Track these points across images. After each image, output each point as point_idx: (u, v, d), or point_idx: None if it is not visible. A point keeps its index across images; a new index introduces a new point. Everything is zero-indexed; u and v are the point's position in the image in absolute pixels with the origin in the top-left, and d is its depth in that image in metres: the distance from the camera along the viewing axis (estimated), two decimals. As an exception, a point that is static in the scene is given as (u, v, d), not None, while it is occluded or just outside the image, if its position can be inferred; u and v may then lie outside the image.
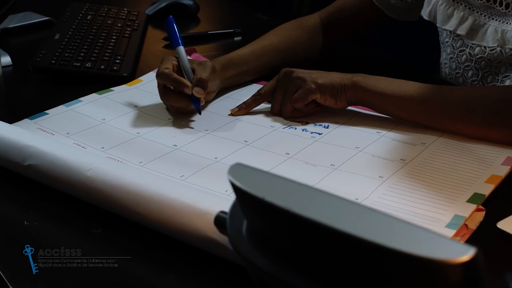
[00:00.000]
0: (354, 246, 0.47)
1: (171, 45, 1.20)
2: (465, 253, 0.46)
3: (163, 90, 1.10)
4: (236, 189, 0.52)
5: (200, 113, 1.10)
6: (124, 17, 1.61)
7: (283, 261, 0.53)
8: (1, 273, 0.75)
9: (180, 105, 1.10)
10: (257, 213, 0.53)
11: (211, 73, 1.13)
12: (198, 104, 1.10)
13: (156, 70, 1.31)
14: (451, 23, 1.20)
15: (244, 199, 0.53)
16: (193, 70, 1.12)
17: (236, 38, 1.59)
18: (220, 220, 0.67)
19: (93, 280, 0.76)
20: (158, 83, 1.11)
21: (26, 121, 1.09)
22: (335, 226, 0.47)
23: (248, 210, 0.55)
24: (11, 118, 1.08)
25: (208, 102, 1.17)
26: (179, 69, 1.12)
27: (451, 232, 0.80)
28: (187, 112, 1.12)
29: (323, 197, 0.51)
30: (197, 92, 1.09)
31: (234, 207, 0.58)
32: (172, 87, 1.10)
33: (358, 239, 0.46)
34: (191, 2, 1.73)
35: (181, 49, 1.16)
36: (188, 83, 1.08)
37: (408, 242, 0.47)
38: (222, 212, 0.68)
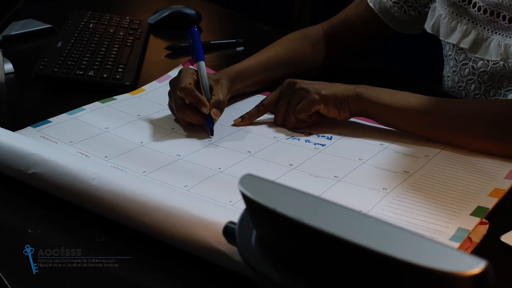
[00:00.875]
0: (365, 257, 0.48)
1: (192, 57, 1.18)
2: (476, 266, 0.46)
3: (181, 104, 1.09)
4: (247, 199, 0.52)
5: (212, 134, 1.09)
6: (126, 25, 1.62)
7: (293, 271, 0.53)
8: (1, 274, 0.75)
9: (193, 122, 1.10)
10: (268, 223, 0.53)
11: (228, 93, 1.14)
12: (212, 124, 1.09)
13: (160, 79, 1.33)
14: (454, 37, 1.20)
15: (255, 210, 0.53)
16: (210, 87, 1.12)
17: (238, 48, 1.60)
18: (228, 231, 0.67)
19: (93, 280, 0.75)
20: (176, 95, 1.09)
21: (29, 129, 1.09)
22: (346, 237, 0.47)
23: (259, 221, 0.55)
24: (13, 126, 1.07)
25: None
26: (197, 83, 1.12)
27: (455, 245, 0.80)
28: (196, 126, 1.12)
29: (334, 208, 0.52)
30: (215, 113, 1.09)
31: (243, 217, 0.58)
32: (187, 101, 1.09)
33: (370, 251, 0.46)
34: (193, 12, 1.73)
35: (203, 64, 1.14)
36: (207, 103, 1.08)
37: (419, 254, 0.47)
38: (231, 222, 0.67)
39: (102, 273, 0.76)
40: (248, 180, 0.53)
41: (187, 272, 0.76)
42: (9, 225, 0.87)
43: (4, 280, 0.75)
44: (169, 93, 1.13)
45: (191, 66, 1.34)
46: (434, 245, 0.49)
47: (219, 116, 1.10)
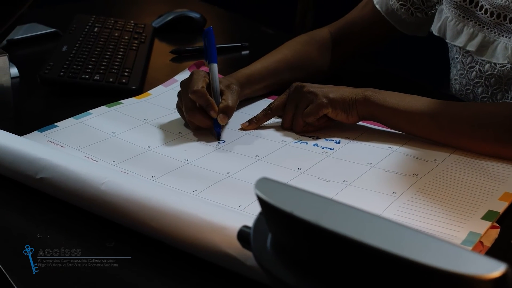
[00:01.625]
0: (384, 261, 0.47)
1: (206, 59, 1.17)
2: (496, 269, 0.46)
3: (191, 106, 1.09)
4: (263, 203, 0.52)
5: (219, 139, 1.08)
6: (131, 29, 1.61)
7: (309, 276, 0.52)
8: (8, 276, 0.75)
9: (202, 125, 1.09)
10: (284, 227, 0.53)
11: (237, 99, 1.13)
12: (219, 128, 1.09)
13: (166, 83, 1.32)
14: (461, 39, 1.20)
15: (271, 214, 0.52)
16: (221, 92, 1.12)
17: (243, 52, 1.59)
18: (243, 235, 0.66)
19: (93, 280, 0.75)
20: (187, 97, 1.09)
21: (35, 133, 1.09)
22: (364, 240, 0.47)
23: (275, 225, 0.54)
24: (19, 130, 1.06)
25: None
26: (208, 86, 1.11)
27: (467, 249, 0.79)
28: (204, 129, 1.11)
29: (350, 211, 0.51)
30: (222, 119, 1.08)
31: (258, 221, 0.57)
32: (198, 104, 1.09)
33: (389, 255, 0.46)
34: (198, 15, 1.73)
35: (215, 67, 1.13)
36: (216, 107, 1.08)
37: (439, 257, 0.47)
38: (245, 226, 0.67)
39: (102, 273, 0.76)
40: (264, 183, 0.53)
41: (189, 273, 0.76)
42: (17, 230, 0.87)
43: (10, 280, 0.75)
44: (179, 94, 1.12)
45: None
46: (453, 248, 0.48)
47: (226, 122, 1.10)
